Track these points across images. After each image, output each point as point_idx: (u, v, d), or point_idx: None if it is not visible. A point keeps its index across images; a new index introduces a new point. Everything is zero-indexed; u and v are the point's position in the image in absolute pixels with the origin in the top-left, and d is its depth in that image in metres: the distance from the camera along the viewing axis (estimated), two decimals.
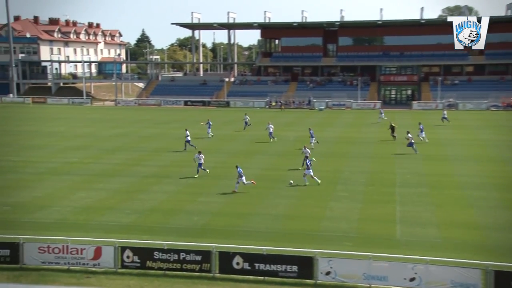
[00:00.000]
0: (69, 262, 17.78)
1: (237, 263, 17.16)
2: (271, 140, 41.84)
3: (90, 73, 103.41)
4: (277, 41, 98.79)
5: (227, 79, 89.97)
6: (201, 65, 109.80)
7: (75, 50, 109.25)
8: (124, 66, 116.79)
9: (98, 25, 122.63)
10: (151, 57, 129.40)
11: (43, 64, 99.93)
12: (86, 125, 55.82)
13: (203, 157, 30.24)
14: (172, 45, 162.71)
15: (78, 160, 36.27)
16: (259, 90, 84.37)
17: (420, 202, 25.33)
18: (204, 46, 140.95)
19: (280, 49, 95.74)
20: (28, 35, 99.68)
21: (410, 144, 37.42)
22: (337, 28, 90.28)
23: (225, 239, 19.85)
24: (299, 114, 68.03)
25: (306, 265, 16.83)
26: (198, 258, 17.35)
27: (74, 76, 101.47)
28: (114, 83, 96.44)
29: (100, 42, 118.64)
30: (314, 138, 40.37)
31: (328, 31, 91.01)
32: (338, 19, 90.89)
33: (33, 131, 50.45)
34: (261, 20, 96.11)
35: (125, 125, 55.82)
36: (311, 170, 28.22)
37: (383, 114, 58.35)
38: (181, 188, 28.14)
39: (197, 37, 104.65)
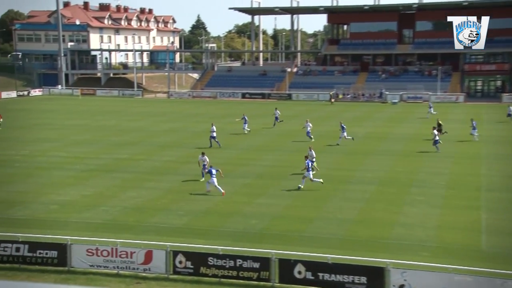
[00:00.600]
0: (119, 266, 18.30)
1: (299, 272, 17.11)
2: (311, 139, 41.23)
3: (142, 62, 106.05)
4: (345, 27, 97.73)
5: (289, 69, 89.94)
6: (261, 54, 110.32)
7: (126, 38, 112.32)
8: (177, 55, 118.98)
9: (150, 11, 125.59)
10: (206, 45, 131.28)
11: (93, 53, 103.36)
12: (136, 119, 57.34)
13: (207, 159, 29.52)
14: (229, 32, 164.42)
15: (128, 156, 37.27)
16: (324, 82, 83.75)
17: (511, 209, 24.38)
18: (264, 33, 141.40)
19: (349, 36, 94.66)
20: (77, 22, 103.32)
21: (435, 142, 37.28)
22: (415, 12, 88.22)
23: (286, 245, 19.84)
24: (368, 108, 67.02)
25: (376, 277, 16.56)
26: (256, 265, 17.42)
27: (124, 66, 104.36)
28: (166, 73, 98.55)
29: (152, 29, 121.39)
30: (345, 133, 40.35)
31: (404, 15, 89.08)
32: (416, 1, 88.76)
33: (82, 125, 52.34)
34: (328, 4, 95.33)
35: (178, 120, 56.90)
36: (310, 173, 27.28)
37: (432, 109, 57.34)
38: (237, 188, 28.36)
39: (256, 23, 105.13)
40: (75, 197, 27.01)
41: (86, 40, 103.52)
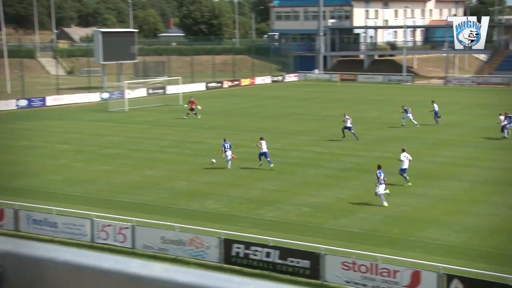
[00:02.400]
0: (379, 286, 18.51)
1: None
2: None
3: (414, 42, 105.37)
4: None
5: None
6: None
7: (396, 12, 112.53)
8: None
9: None
10: (500, 17, 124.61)
11: (356, 31, 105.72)
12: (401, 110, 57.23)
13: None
14: None
15: (392, 155, 37.37)
16: None
17: None
18: None
19: None
20: None
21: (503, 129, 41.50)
22: None
23: None
24: None
25: None
26: None
27: (392, 46, 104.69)
28: (444, 54, 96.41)
29: (429, 0, 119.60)
30: (408, 115, 46.25)
31: None
32: None
33: (339, 116, 54.14)
34: None
35: (457, 111, 55.34)
36: (379, 186, 26.23)
37: None
38: None
39: None
40: (330, 199, 28.09)
41: (349, 16, 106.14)
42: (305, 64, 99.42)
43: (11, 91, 70.08)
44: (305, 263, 19.56)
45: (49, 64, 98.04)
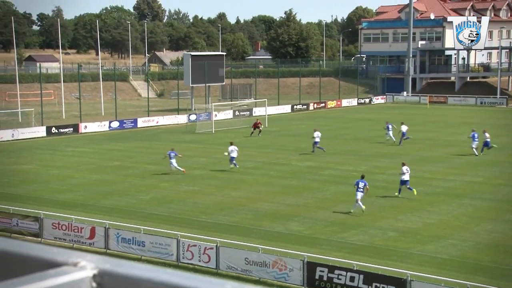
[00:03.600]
0: None
1: None
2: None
3: (509, 63, 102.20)
4: None
5: None
6: None
7: (490, 32, 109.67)
8: None
9: None
10: None
11: (447, 52, 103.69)
12: (499, 134, 55.53)
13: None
14: None
15: (484, 180, 36.39)
16: None
17: None
18: None
19: None
20: (432, 17, 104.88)
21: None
22: None
23: None
24: None
25: None
26: None
27: (486, 67, 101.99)
28: None
29: None
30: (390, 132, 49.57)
31: None
32: None
33: (428, 139, 53.06)
34: None
35: None
36: (358, 193, 28.62)
37: None
38: None
39: None
40: (417, 224, 27.53)
41: (440, 38, 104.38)
42: (394, 86, 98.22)
43: (104, 113, 72.62)
44: None
45: (141, 87, 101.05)
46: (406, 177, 31.76)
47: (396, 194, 32.16)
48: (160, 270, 1.54)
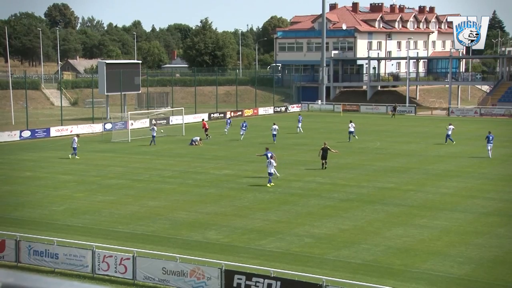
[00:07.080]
0: None
1: None
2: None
3: (417, 73, 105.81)
4: None
5: None
6: None
7: (398, 43, 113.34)
8: (462, 62, 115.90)
9: (431, 10, 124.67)
10: (503, 49, 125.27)
11: (359, 62, 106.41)
12: (406, 141, 57.28)
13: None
14: None
15: (395, 186, 37.39)
16: None
17: None
18: None
19: None
20: (344, 27, 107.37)
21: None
22: None
23: None
24: None
25: None
26: None
27: (395, 77, 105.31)
28: (447, 86, 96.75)
29: (432, 32, 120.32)
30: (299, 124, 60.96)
31: None
32: None
33: (341, 147, 54.17)
34: None
35: (460, 142, 55.35)
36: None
37: None
38: None
39: None
40: (332, 230, 27.98)
41: (352, 48, 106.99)
42: (308, 94, 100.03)
43: (15, 122, 70.37)
44: None
45: (54, 95, 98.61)
46: (270, 169, 37.03)
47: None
48: (66, 283, 1.50)
